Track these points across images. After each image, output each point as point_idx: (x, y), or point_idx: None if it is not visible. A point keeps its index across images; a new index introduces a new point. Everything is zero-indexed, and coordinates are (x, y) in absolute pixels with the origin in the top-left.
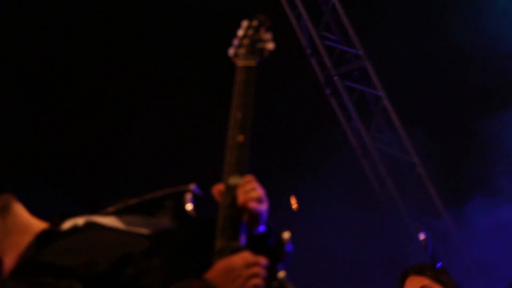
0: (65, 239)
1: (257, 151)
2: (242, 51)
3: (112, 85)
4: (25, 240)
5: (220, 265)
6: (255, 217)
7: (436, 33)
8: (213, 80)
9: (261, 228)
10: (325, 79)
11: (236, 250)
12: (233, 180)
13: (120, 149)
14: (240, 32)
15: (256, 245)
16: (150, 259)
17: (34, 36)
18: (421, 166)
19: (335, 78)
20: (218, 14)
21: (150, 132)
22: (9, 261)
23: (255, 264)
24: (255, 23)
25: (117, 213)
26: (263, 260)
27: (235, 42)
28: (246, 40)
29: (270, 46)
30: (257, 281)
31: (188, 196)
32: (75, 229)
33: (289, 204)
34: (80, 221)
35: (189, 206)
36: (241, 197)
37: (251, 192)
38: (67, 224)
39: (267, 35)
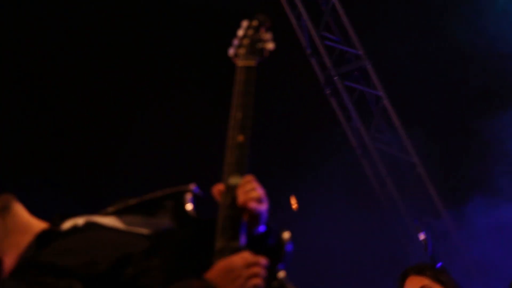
0: (65, 239)
1: (257, 151)
2: (242, 51)
3: (112, 85)
4: (25, 240)
5: (220, 265)
6: (255, 217)
7: (436, 33)
8: (213, 80)
9: (261, 228)
10: (325, 79)
11: (236, 250)
12: (233, 180)
13: (120, 149)
14: (240, 32)
15: (256, 245)
16: (150, 259)
17: (34, 36)
18: (421, 166)
19: (335, 78)
20: (218, 14)
21: (150, 132)
22: (9, 261)
23: (255, 264)
24: (255, 23)
25: (117, 213)
26: (263, 260)
27: (235, 42)
28: (246, 40)
29: (270, 46)
30: (257, 281)
31: (188, 196)
32: (75, 229)
33: (289, 204)
34: (80, 221)
35: (189, 206)
36: (241, 197)
37: (251, 192)
38: (67, 224)
39: (267, 35)
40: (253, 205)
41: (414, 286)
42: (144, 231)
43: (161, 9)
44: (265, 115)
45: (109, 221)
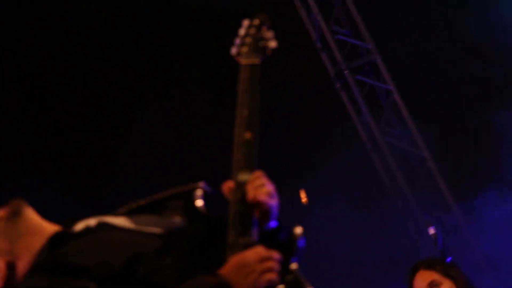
0: (78, 240)
1: (267, 145)
2: (244, 49)
3: (113, 85)
4: (38, 243)
5: (234, 261)
6: (266, 212)
7: (447, 27)
8: (214, 79)
9: (273, 224)
10: (335, 73)
11: (249, 245)
12: (243, 176)
13: (122, 149)
14: (242, 31)
15: (268, 241)
16: (162, 258)
17: (34, 36)
18: (431, 160)
19: (346, 72)
20: (220, 12)
21: (152, 131)
22: (23, 265)
23: (268, 258)
24: (256, 22)
25: (128, 214)
26: (276, 255)
27: (237, 41)
28: (248, 39)
29: (273, 44)
30: (271, 275)
31: (198, 193)
32: (87, 230)
33: (299, 198)
34: (92, 222)
35: (199, 203)
36: (251, 192)
37: (261, 187)
38: (80, 226)
39: (269, 34)
40: (264, 198)
41: (424, 281)
42: (155, 230)
43: (161, 9)
44: (275, 109)
45: (120, 221)
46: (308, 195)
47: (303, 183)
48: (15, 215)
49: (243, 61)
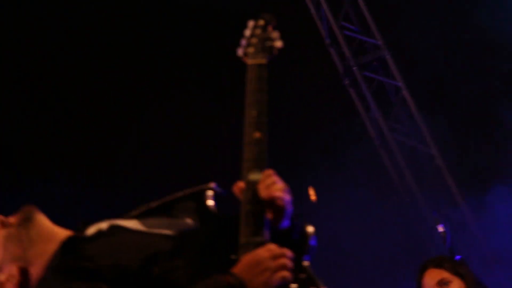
0: (90, 244)
1: (275, 141)
2: (251, 50)
3: (115, 84)
4: (50, 248)
5: (247, 259)
6: (279, 211)
7: (457, 21)
8: (223, 79)
9: (285, 223)
10: (344, 69)
11: (261, 244)
12: (253, 176)
13: (129, 151)
14: (247, 32)
15: (280, 240)
16: (175, 259)
17: (44, 35)
18: (439, 157)
19: (354, 68)
20: (225, 11)
21: (160, 133)
22: (36, 271)
23: (281, 255)
24: (261, 22)
25: (139, 217)
26: (289, 252)
27: (243, 42)
28: (254, 39)
29: (279, 44)
30: (285, 272)
31: (209, 194)
32: (99, 233)
33: (307, 195)
34: (103, 225)
35: (210, 204)
36: (263, 191)
37: (273, 185)
38: (91, 230)
39: (275, 34)
40: (276, 196)
41: (433, 279)
42: (167, 232)
43: (166, 8)
44: (283, 105)
45: (132, 224)
46: (316, 193)
47: (312, 181)
48: (27, 221)
49: (250, 61)
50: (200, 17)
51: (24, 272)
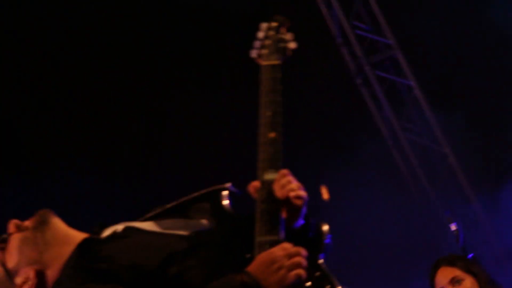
0: (106, 246)
1: (288, 141)
2: (265, 51)
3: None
4: (66, 251)
5: (261, 258)
6: (294, 210)
7: (469, 19)
8: (235, 80)
9: (300, 222)
10: (356, 69)
11: (276, 243)
12: (269, 175)
13: (146, 152)
14: (261, 34)
15: (295, 239)
16: (190, 259)
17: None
18: (452, 156)
19: (366, 67)
20: (242, 10)
21: (177, 134)
22: (52, 274)
23: (296, 254)
24: (274, 24)
25: (154, 218)
26: (303, 251)
27: (257, 44)
28: (268, 41)
29: (293, 45)
30: (300, 271)
31: (225, 193)
32: (114, 235)
33: (320, 195)
34: (119, 227)
35: (226, 204)
36: (278, 191)
37: (288, 185)
38: (107, 232)
39: (289, 35)
40: (292, 194)
41: (446, 277)
42: (182, 232)
43: (187, 7)
44: (295, 105)
45: (147, 225)
46: (329, 192)
47: (324, 180)
48: (43, 224)
49: (263, 62)
50: (219, 16)
51: (40, 275)
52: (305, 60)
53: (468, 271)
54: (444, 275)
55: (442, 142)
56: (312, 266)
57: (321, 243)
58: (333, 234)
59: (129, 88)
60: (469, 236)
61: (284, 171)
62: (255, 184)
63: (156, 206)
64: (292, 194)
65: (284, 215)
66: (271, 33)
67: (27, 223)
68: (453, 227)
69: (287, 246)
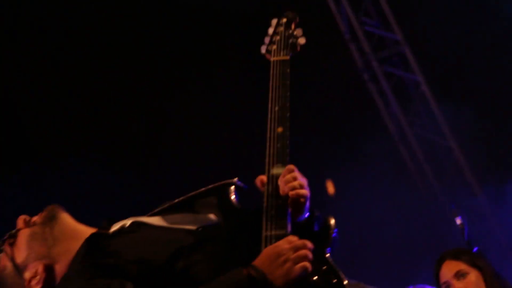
0: (114, 240)
1: (295, 136)
2: (274, 47)
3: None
4: (75, 246)
5: (268, 251)
6: (298, 205)
7: (478, 14)
8: (244, 75)
9: (305, 215)
10: (363, 65)
11: (283, 237)
12: (276, 170)
13: (153, 146)
14: (270, 30)
15: (301, 232)
16: (197, 253)
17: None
18: (459, 151)
19: (374, 63)
20: (250, 7)
21: (184, 129)
22: (60, 269)
23: (302, 247)
24: (284, 20)
25: (162, 213)
26: (309, 244)
27: (266, 39)
28: (277, 37)
29: (302, 41)
30: (306, 264)
31: (232, 188)
32: (123, 230)
33: (326, 189)
34: (127, 222)
35: (233, 198)
36: (282, 186)
37: (291, 182)
38: (115, 227)
39: (298, 31)
40: (296, 191)
41: (451, 271)
42: (190, 227)
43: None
44: (303, 100)
45: (155, 220)
46: (335, 186)
47: (331, 175)
48: (51, 220)
49: (273, 58)
50: (219, 16)
51: (49, 270)
52: (313, 56)
53: (473, 264)
54: (449, 268)
55: (449, 137)
56: (319, 260)
57: (328, 237)
58: (340, 229)
59: (138, 81)
60: (475, 229)
61: (290, 166)
62: (262, 178)
63: (164, 201)
64: (292, 193)
65: (290, 209)
66: (281, 28)
67: (35, 218)
68: (458, 221)
69: (293, 239)
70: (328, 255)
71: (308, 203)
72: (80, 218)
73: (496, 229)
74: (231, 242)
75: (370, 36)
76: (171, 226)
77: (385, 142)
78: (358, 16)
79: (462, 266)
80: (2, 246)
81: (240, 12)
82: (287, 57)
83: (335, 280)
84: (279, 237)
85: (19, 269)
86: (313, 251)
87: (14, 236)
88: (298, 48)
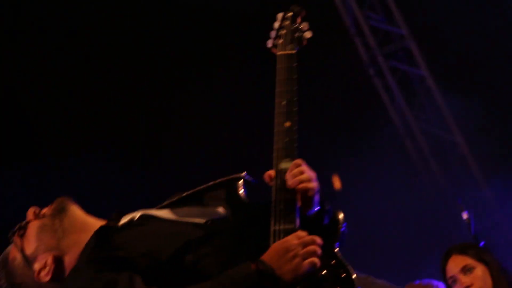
0: (123, 233)
1: (300, 132)
2: (280, 41)
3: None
4: (84, 238)
5: (276, 246)
6: (307, 199)
7: (483, 8)
8: (251, 69)
9: (315, 209)
10: (369, 59)
11: (292, 231)
12: (284, 164)
13: (162, 139)
14: (276, 24)
15: (310, 226)
16: (205, 246)
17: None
18: (464, 145)
19: (379, 58)
20: (248, 9)
21: (192, 124)
22: (70, 261)
23: (310, 242)
24: (290, 14)
25: (171, 206)
26: (318, 239)
27: (272, 34)
28: (283, 31)
29: (308, 35)
30: (314, 259)
31: (240, 182)
32: (131, 223)
33: (332, 184)
34: (136, 215)
35: (241, 192)
36: (290, 180)
37: (299, 176)
38: (124, 220)
39: (304, 25)
40: (302, 186)
41: (457, 266)
42: (199, 220)
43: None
44: (308, 95)
45: (163, 213)
46: (341, 181)
47: (336, 170)
48: (61, 212)
49: (279, 52)
50: (219, 16)
51: (58, 261)
52: (318, 51)
53: (480, 259)
54: (456, 263)
55: (455, 131)
56: (328, 254)
57: (337, 231)
58: (347, 223)
59: (146, 76)
60: (481, 224)
61: (298, 160)
62: (271, 173)
63: (173, 194)
64: (300, 186)
65: (299, 203)
66: (287, 22)
67: (45, 210)
68: (465, 215)
69: (302, 234)
70: (337, 249)
71: (317, 197)
72: (90, 210)
73: (503, 223)
74: (239, 236)
75: (376, 31)
76: (180, 219)
77: (391, 136)
78: (363, 11)
79: (468, 260)
80: (12, 237)
81: (240, 12)
82: (294, 51)
83: (344, 275)
84: (287, 232)
85: (28, 261)
86: (322, 246)
87: (24, 228)
88: (305, 42)
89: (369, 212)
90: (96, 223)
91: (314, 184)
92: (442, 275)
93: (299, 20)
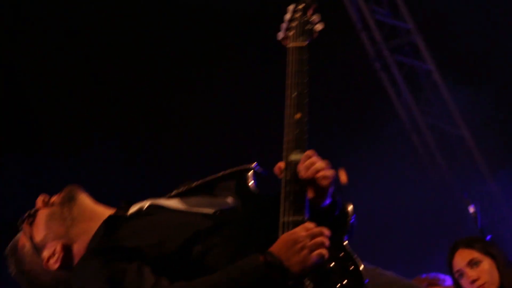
0: (131, 223)
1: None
2: (291, 33)
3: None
4: (93, 227)
5: (284, 238)
6: (321, 190)
7: (489, 3)
8: (261, 61)
9: (328, 201)
10: (375, 54)
11: (301, 223)
12: (294, 156)
13: (172, 130)
14: (287, 16)
15: (321, 219)
16: (214, 237)
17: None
18: (470, 139)
19: (385, 52)
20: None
21: (200, 113)
22: (79, 249)
23: (319, 234)
24: (301, 5)
25: (180, 195)
26: (326, 231)
27: (283, 25)
28: (295, 23)
29: (319, 27)
30: (323, 251)
31: (250, 173)
32: (139, 212)
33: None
34: (145, 204)
35: (251, 183)
36: (303, 171)
37: (313, 166)
38: (133, 209)
39: (315, 17)
40: (318, 175)
41: (464, 259)
42: (208, 211)
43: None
44: (314, 90)
45: (172, 203)
46: (348, 175)
47: (342, 164)
48: (70, 200)
49: (290, 44)
50: (219, 16)
51: (67, 249)
52: (324, 45)
53: (486, 253)
54: (462, 257)
55: (461, 126)
56: (336, 247)
57: (346, 223)
58: (356, 215)
59: (156, 70)
60: (488, 218)
61: (309, 152)
62: (281, 164)
63: (183, 183)
64: (319, 174)
65: (309, 195)
66: (298, 15)
67: (54, 198)
68: (471, 209)
69: (310, 226)
70: (346, 242)
71: (332, 188)
72: (99, 199)
73: (509, 217)
74: (248, 227)
75: (381, 25)
76: (189, 209)
77: (397, 130)
78: (369, 5)
79: (475, 254)
80: (21, 225)
81: (240, 12)
82: (305, 44)
83: (352, 267)
84: (296, 223)
85: (37, 248)
86: (330, 238)
87: (33, 216)
88: (316, 35)
89: (376, 206)
90: (105, 212)
91: (331, 172)
92: (448, 269)
93: (310, 12)
